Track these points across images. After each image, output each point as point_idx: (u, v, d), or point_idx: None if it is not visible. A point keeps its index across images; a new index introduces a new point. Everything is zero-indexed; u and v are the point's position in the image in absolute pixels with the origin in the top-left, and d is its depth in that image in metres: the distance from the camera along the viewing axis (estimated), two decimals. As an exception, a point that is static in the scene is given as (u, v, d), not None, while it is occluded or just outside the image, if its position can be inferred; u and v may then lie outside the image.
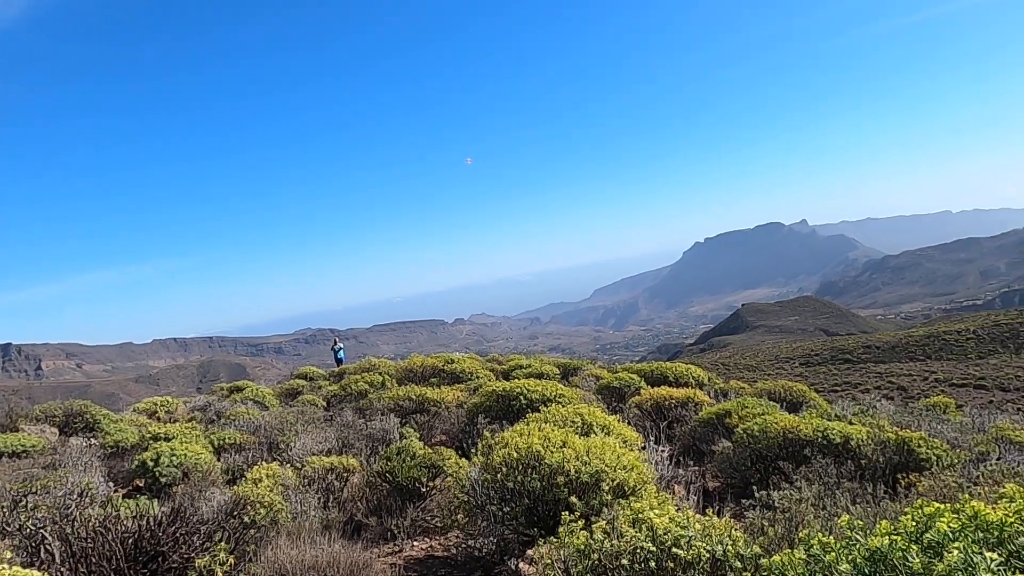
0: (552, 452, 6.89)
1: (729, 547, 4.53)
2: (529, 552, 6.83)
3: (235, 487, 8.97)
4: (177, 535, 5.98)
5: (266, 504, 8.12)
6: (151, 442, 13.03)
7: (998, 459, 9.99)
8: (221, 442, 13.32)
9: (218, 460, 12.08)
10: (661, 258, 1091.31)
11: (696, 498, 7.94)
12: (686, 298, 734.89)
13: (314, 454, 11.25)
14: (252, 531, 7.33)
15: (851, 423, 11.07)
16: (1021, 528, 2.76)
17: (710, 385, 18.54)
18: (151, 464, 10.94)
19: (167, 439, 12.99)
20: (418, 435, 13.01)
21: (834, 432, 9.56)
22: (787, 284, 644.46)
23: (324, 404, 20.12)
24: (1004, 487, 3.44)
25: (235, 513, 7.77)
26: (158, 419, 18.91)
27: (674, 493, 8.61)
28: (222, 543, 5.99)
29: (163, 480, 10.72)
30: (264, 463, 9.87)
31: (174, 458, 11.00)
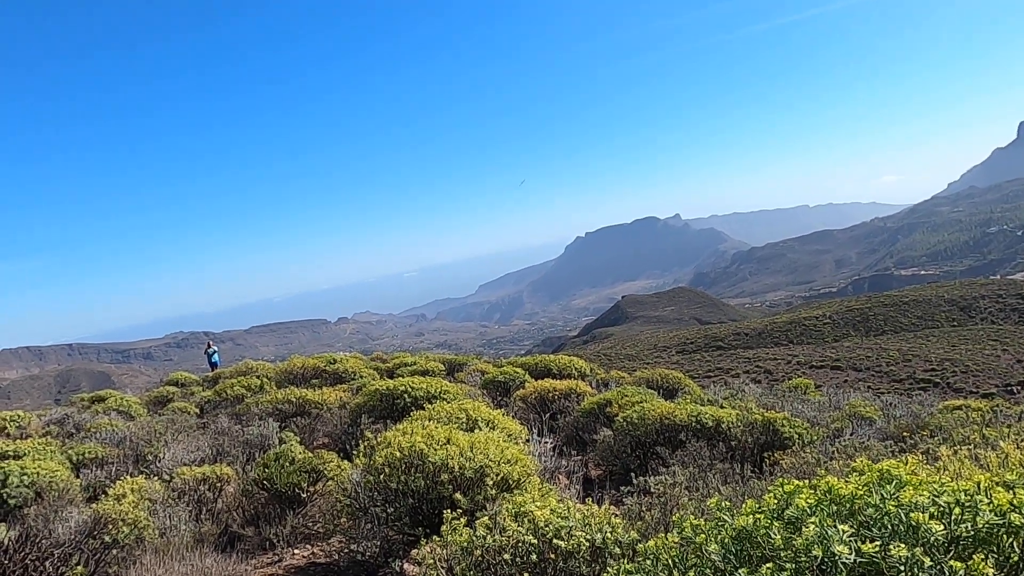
0: (435, 450, 6.82)
1: (608, 534, 4.63)
2: (413, 552, 6.73)
3: (95, 505, 8.34)
4: (27, 561, 5.48)
5: (130, 521, 7.59)
6: (-2, 461, 11.90)
7: (851, 434, 10.84)
8: (80, 457, 12.33)
9: (77, 477, 11.18)
10: (544, 252, 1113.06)
11: (578, 488, 8.10)
12: (569, 291, 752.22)
13: (185, 464, 10.63)
14: (114, 551, 6.82)
15: (722, 407, 11.69)
16: (869, 500, 2.95)
17: (592, 376, 19.03)
18: (-3, 485, 9.99)
19: (17, 457, 11.88)
20: (299, 439, 12.57)
21: (706, 416, 10.05)
22: (663, 276, 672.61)
23: (197, 411, 19.10)
24: (855, 461, 3.67)
25: (95, 533, 7.21)
26: (8, 435, 17.31)
27: (558, 483, 8.75)
28: (79, 567, 5.55)
29: (12, 502, 9.80)
30: (129, 477, 9.24)
31: (24, 477, 10.09)
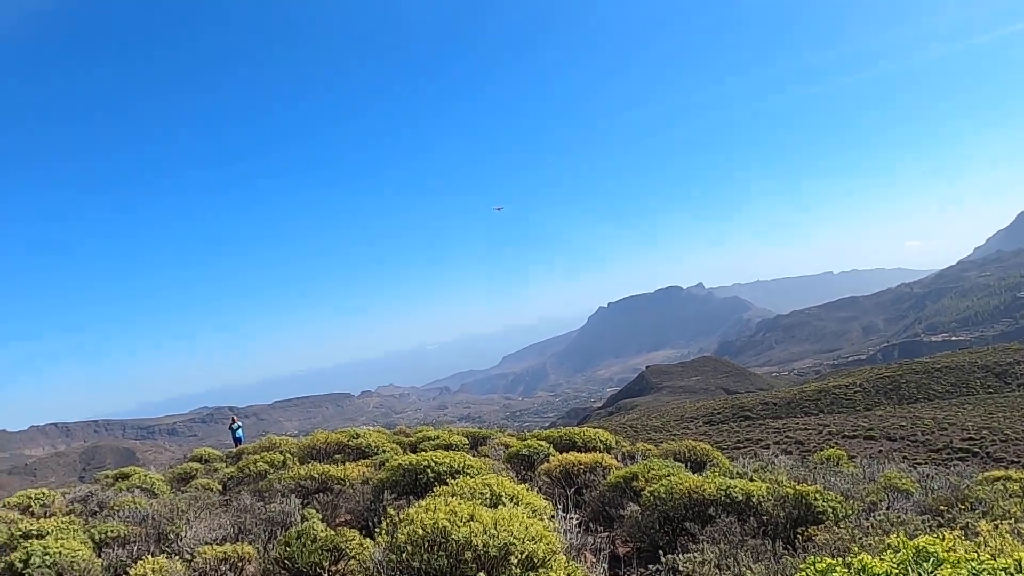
0: (459, 527, 6.72)
1: (637, 615, 4.50)
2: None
3: (116, 586, 8.25)
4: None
5: (150, 603, 7.49)
6: (21, 540, 11.85)
7: (887, 508, 10.47)
8: (103, 536, 12.27)
9: (99, 556, 11.10)
10: (567, 323, 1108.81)
11: (605, 566, 7.89)
12: (593, 362, 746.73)
13: (207, 543, 10.52)
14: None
15: (752, 480, 11.40)
16: (904, 578, 2.87)
17: (617, 448, 18.70)
18: (20, 566, 9.95)
19: (40, 536, 11.85)
20: (321, 516, 12.41)
21: (736, 490, 9.80)
22: (688, 345, 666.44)
23: (220, 488, 18.97)
24: (890, 537, 3.57)
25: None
26: (32, 514, 17.28)
27: (584, 561, 8.53)
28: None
29: (34, 583, 9.75)
30: (150, 557, 9.16)
31: (47, 557, 10.05)
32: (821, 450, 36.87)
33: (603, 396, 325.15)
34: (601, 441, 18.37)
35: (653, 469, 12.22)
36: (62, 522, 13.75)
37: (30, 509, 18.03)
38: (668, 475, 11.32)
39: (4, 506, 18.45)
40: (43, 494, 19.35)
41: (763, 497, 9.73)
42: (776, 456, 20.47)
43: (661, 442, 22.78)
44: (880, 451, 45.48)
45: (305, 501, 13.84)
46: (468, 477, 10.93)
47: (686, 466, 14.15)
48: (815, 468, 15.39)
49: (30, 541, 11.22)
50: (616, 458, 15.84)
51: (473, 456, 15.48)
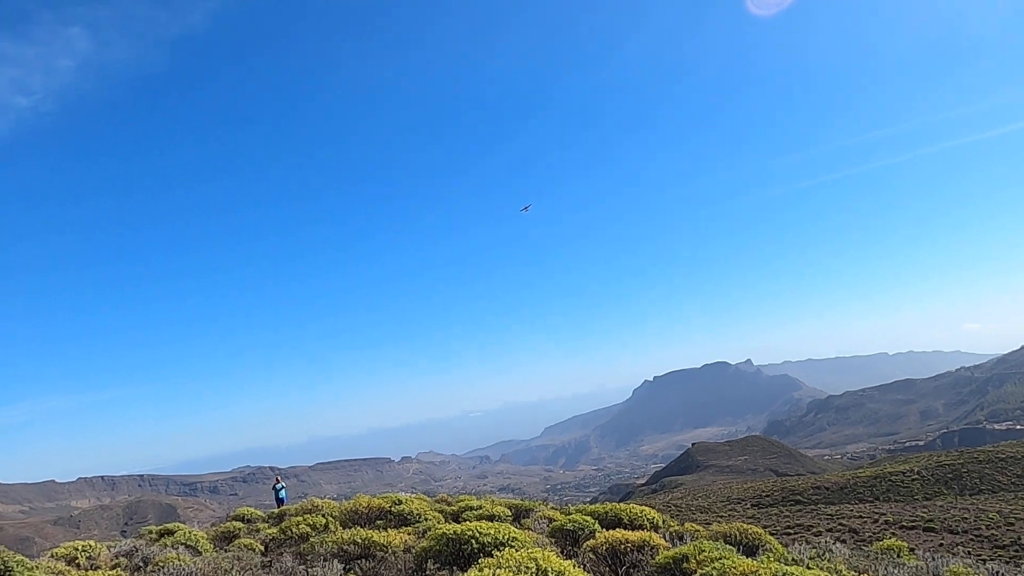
0: (508, 601, 6.60)
1: None
2: None
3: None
4: None
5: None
6: (69, 592, 12.00)
7: (956, 605, 9.90)
8: (147, 592, 12.33)
9: (143, 612, 11.13)
10: (612, 396, 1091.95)
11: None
12: (636, 436, 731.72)
13: (250, 605, 10.49)
14: None
15: (808, 567, 10.93)
16: None
17: (665, 528, 18.18)
18: (68, 617, 10.02)
19: (88, 589, 11.98)
20: (363, 583, 12.29)
21: (793, 578, 9.41)
22: (735, 423, 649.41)
23: (262, 548, 18.95)
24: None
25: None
26: (78, 566, 17.48)
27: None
28: None
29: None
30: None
31: (94, 610, 10.11)
32: (877, 540, 35.13)
33: (647, 472, 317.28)
34: (648, 519, 17.88)
35: (704, 551, 11.84)
36: (108, 575, 13.88)
37: (76, 561, 18.23)
38: (720, 558, 10.95)
39: (52, 557, 18.69)
40: (90, 546, 19.56)
41: (822, 587, 9.32)
42: (831, 544, 19.59)
43: (707, 523, 22.06)
44: (941, 544, 43.06)
45: (347, 567, 13.73)
46: (513, 550, 10.74)
47: (737, 550, 13.66)
48: (876, 558, 14.67)
49: (78, 593, 11.32)
50: (664, 538, 15.38)
51: (516, 528, 15.21)
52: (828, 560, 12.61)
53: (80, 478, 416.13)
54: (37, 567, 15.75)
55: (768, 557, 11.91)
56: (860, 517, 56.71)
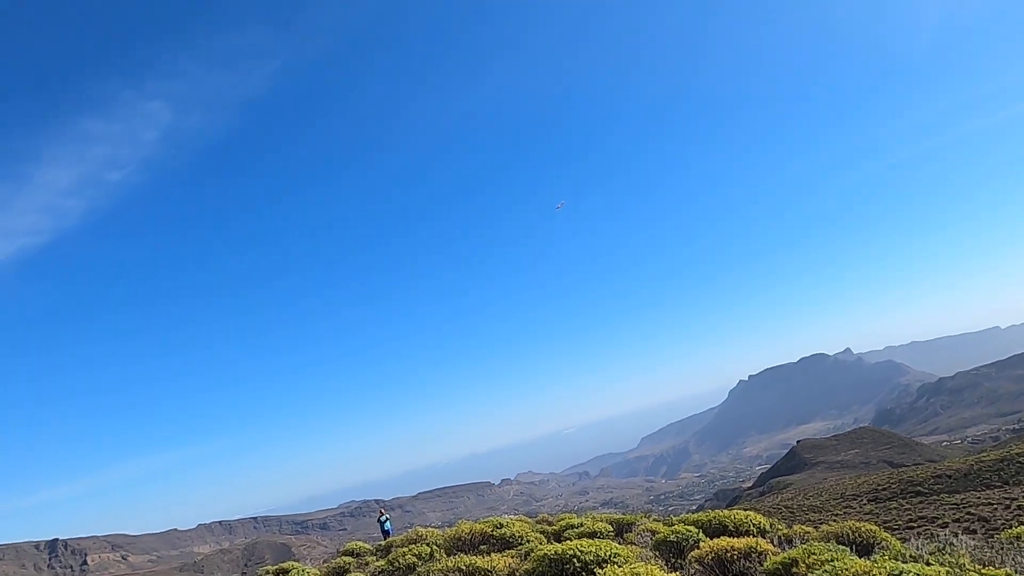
0: (610, 619, 6.58)
1: None
2: None
3: None
4: None
5: None
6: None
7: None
8: (268, 631, 12.84)
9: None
10: (706, 399, 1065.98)
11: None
12: (737, 439, 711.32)
13: (364, 638, 10.78)
14: None
15: (928, 564, 10.39)
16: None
17: (773, 532, 17.64)
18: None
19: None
20: (470, 609, 12.43)
21: (910, 575, 8.98)
22: (841, 416, 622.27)
23: (372, 581, 19.42)
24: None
25: None
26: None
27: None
28: None
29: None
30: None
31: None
32: (1010, 527, 32.95)
33: (752, 475, 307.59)
34: (754, 524, 17.40)
35: (814, 554, 11.44)
36: (231, 617, 14.51)
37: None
38: (832, 560, 10.56)
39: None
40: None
41: (943, 583, 8.86)
42: (955, 536, 18.51)
43: (821, 523, 21.24)
44: (1084, 527, 40.01)
45: (454, 594, 13.91)
46: (615, 566, 10.68)
47: (851, 549, 13.12)
48: (1003, 549, 13.77)
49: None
50: (772, 542, 14.93)
51: (619, 543, 15.07)
52: (950, 554, 11.93)
53: (200, 525, 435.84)
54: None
55: (883, 555, 11.38)
56: (989, 504, 53.38)
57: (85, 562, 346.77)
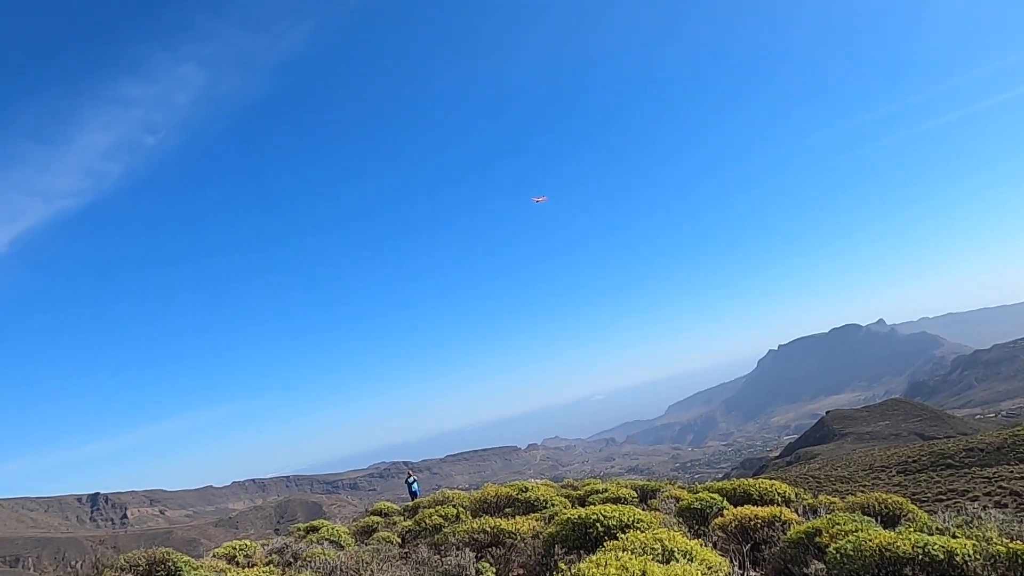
0: (631, 583, 6.66)
1: None
2: None
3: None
4: None
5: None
6: (230, 588, 13.05)
7: None
8: (298, 585, 13.22)
9: (295, 605, 11.97)
10: (735, 368, 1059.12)
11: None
12: (765, 408, 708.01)
13: (390, 594, 11.06)
14: None
15: (955, 536, 10.30)
16: None
17: (797, 501, 17.60)
18: (230, 611, 10.93)
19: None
20: (494, 569, 12.67)
21: (936, 547, 8.92)
22: (871, 388, 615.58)
23: (399, 540, 19.84)
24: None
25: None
26: (237, 564, 18.92)
27: (767, 623, 8.09)
28: None
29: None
30: (340, 606, 9.75)
31: (252, 605, 10.97)
32: (1042, 502, 32.52)
33: (780, 445, 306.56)
34: (779, 493, 17.38)
35: (838, 524, 11.41)
36: (263, 571, 14.99)
37: (235, 559, 19.75)
38: (856, 530, 10.53)
39: (214, 556, 20.34)
40: (246, 545, 21.14)
41: (969, 556, 8.79)
42: (985, 509, 18.32)
43: (847, 494, 21.16)
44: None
45: (479, 555, 14.16)
46: (638, 532, 10.76)
47: (876, 520, 13.06)
48: (1033, 523, 13.59)
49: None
50: (796, 512, 14.92)
51: (642, 510, 15.18)
52: (978, 527, 11.83)
53: (234, 482, 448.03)
54: (201, 566, 17.20)
55: (909, 527, 11.32)
56: (1022, 478, 52.64)
57: (125, 515, 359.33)
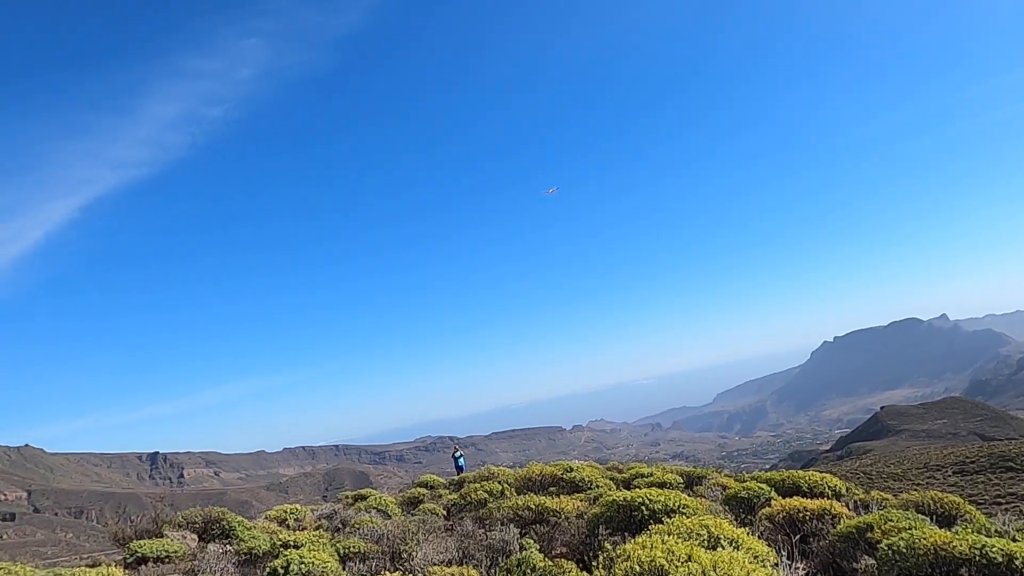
0: (676, 567, 6.64)
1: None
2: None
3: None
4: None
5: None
6: (281, 549, 13.48)
7: None
8: (346, 551, 13.58)
9: (343, 569, 12.31)
10: (786, 359, 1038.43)
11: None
12: (817, 401, 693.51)
13: (435, 564, 11.27)
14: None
15: (1015, 539, 9.98)
16: None
17: (848, 496, 17.26)
18: (281, 571, 11.29)
19: (296, 547, 13.41)
20: (538, 547, 12.77)
21: (994, 550, 8.66)
22: (930, 384, 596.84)
23: (444, 513, 20.17)
24: None
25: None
26: (287, 526, 19.53)
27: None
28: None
29: (292, 588, 11.01)
30: (387, 573, 9.98)
31: (303, 566, 11.32)
32: (1109, 511, 31.19)
33: (831, 438, 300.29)
34: (829, 487, 17.07)
35: (891, 520, 11.15)
36: (313, 535, 15.44)
37: (286, 522, 20.40)
38: (909, 528, 10.28)
39: (266, 518, 21.04)
40: (296, 509, 21.80)
41: (1029, 560, 8.50)
42: (1047, 515, 17.69)
43: (900, 492, 20.64)
44: None
45: (523, 531, 14.30)
46: (684, 517, 10.71)
47: (931, 520, 12.73)
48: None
49: (288, 551, 12.73)
50: (847, 506, 14.64)
51: (688, 496, 15.09)
52: (1040, 532, 11.43)
53: (285, 448, 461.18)
54: (254, 527, 17.82)
55: (966, 528, 11.00)
56: (1086, 485, 50.55)
57: (182, 475, 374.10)
